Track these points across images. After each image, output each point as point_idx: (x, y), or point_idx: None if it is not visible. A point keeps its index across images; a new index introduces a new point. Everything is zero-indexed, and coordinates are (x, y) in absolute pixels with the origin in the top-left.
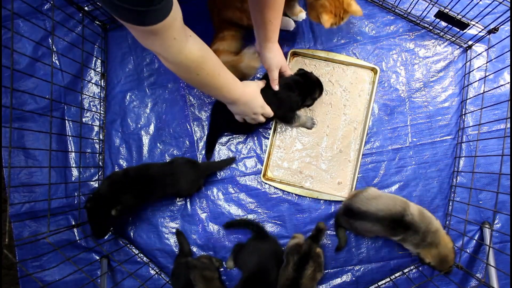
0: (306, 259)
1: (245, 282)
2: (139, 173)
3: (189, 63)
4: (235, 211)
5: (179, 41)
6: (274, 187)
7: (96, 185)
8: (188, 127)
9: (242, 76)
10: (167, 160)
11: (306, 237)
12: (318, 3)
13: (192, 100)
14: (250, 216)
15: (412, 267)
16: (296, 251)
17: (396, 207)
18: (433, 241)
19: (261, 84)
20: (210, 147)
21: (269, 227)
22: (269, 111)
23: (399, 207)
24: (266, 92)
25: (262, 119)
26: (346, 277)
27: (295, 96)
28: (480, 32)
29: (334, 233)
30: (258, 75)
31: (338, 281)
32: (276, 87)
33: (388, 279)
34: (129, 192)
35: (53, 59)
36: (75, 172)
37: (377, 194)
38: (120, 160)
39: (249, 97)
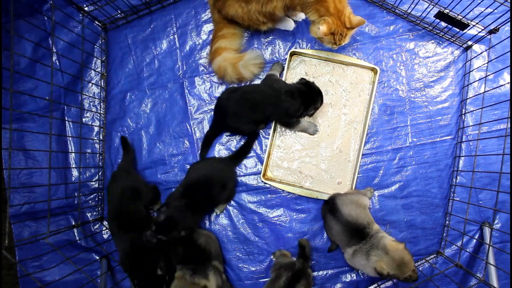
0: (298, 276)
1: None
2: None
3: None
4: (235, 211)
5: None
6: (274, 187)
7: (97, 185)
8: (188, 127)
9: (240, 78)
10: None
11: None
12: (322, 19)
13: (192, 100)
14: (250, 216)
15: None
16: (289, 268)
17: (363, 220)
18: (379, 244)
19: None
20: (207, 143)
21: (269, 227)
22: None
23: (365, 221)
24: (267, 93)
25: None
26: (346, 277)
27: (296, 104)
28: (480, 32)
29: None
30: (258, 80)
31: (338, 281)
32: None
33: (387, 279)
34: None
35: (53, 60)
36: (75, 173)
37: (363, 204)
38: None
39: None
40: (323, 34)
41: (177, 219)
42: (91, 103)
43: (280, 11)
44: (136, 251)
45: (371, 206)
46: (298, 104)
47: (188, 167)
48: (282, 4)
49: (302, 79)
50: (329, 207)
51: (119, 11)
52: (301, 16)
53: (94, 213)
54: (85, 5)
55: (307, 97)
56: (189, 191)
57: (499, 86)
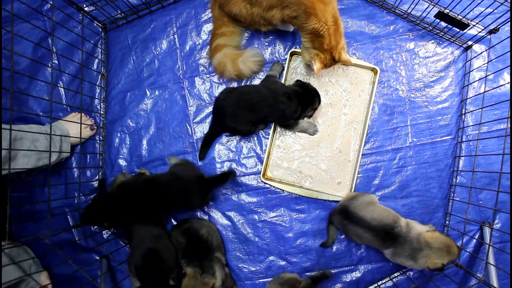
0: None
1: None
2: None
3: None
4: (235, 211)
5: None
6: (274, 186)
7: (97, 185)
8: (188, 127)
9: (239, 74)
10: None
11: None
12: (314, 51)
13: (192, 100)
14: (250, 216)
15: None
16: (293, 286)
17: (388, 219)
18: (420, 244)
19: None
20: (206, 144)
21: (269, 227)
22: None
23: (391, 219)
24: (264, 94)
25: None
26: (346, 277)
27: (293, 105)
28: (480, 32)
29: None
30: (257, 80)
31: (338, 281)
32: None
33: (388, 279)
34: None
35: (53, 60)
36: (75, 172)
37: (375, 201)
38: (120, 160)
39: None
40: (317, 71)
41: (103, 211)
42: (91, 103)
43: (277, 22)
44: (152, 257)
45: None
46: (295, 105)
47: None
48: (280, 17)
49: (298, 80)
50: (346, 216)
51: (119, 11)
52: None
53: None
54: (85, 5)
55: (304, 98)
56: (147, 187)
57: (499, 86)
